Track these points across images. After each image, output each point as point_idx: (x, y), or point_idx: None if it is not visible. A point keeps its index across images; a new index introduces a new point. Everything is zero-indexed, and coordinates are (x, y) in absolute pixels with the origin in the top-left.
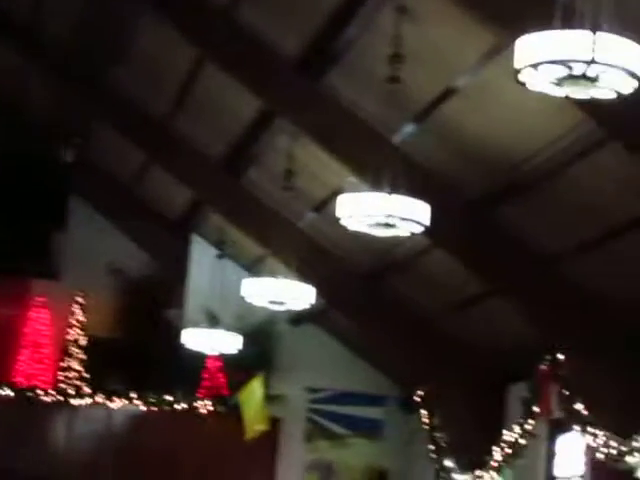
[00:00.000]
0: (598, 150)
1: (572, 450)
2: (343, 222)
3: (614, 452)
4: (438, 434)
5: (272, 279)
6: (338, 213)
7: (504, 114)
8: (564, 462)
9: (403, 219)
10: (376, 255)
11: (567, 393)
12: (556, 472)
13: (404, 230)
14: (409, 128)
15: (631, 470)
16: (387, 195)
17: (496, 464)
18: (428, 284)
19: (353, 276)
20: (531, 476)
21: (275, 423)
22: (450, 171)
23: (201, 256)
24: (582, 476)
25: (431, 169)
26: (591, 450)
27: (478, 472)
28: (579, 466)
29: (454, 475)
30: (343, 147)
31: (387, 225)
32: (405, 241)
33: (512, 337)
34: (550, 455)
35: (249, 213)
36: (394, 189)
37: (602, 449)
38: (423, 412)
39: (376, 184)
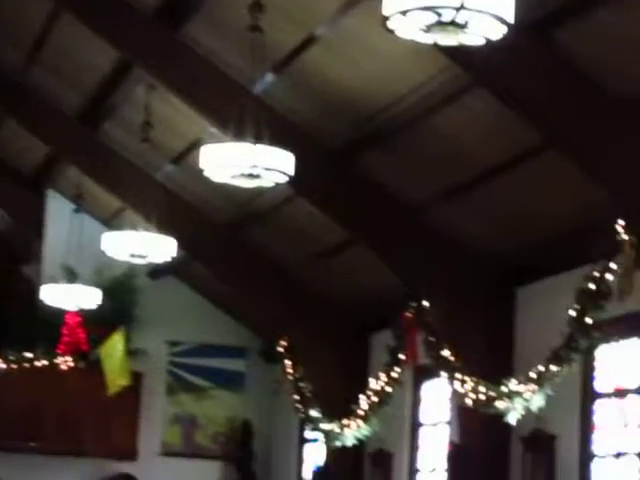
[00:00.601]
0: (462, 97)
1: (438, 397)
2: (207, 173)
3: (483, 398)
4: (302, 384)
5: (132, 232)
6: (202, 164)
7: (366, 62)
8: (430, 409)
9: (267, 169)
10: (237, 206)
11: (433, 340)
12: (422, 419)
13: (268, 180)
14: (270, 78)
15: (501, 415)
16: (251, 145)
17: (362, 412)
18: (290, 234)
19: (214, 227)
20: (397, 423)
21: (136, 377)
22: (312, 120)
23: (58, 211)
24: (448, 422)
25: (293, 119)
26: (459, 396)
27: (345, 421)
28: (445, 412)
29: (320, 425)
30: (203, 98)
31: (251, 176)
32: (267, 191)
33: (375, 285)
34: (415, 402)
35: (106, 166)
36: (257, 139)
37: (471, 395)
38: (286, 363)
39: (238, 135)
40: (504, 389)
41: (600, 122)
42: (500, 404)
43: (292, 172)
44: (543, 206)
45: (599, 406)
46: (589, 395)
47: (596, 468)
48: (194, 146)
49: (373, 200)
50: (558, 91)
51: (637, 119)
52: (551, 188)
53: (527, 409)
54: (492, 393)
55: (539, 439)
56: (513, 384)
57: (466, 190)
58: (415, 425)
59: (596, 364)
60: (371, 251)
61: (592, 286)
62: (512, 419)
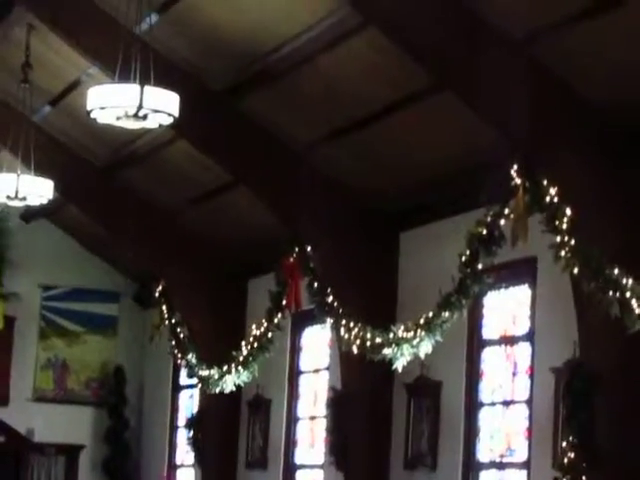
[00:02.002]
0: (350, 39)
1: (317, 343)
2: (93, 115)
3: (369, 344)
4: (179, 329)
5: (8, 174)
6: (88, 105)
7: (250, 3)
8: (309, 355)
9: (153, 110)
10: (114, 148)
11: (317, 285)
12: (302, 365)
13: (154, 122)
14: (154, 18)
15: (388, 361)
16: (136, 86)
17: (242, 358)
18: (168, 177)
19: (90, 170)
20: (277, 370)
21: (8, 322)
22: (196, 62)
23: None
24: (327, 368)
25: (177, 60)
26: (344, 343)
27: (224, 367)
28: (325, 359)
29: (198, 370)
30: (85, 39)
31: (137, 117)
32: (145, 134)
33: (256, 230)
34: (295, 349)
35: None
36: (142, 81)
37: (357, 341)
38: (162, 307)
39: (122, 76)
40: (391, 335)
41: (495, 66)
42: (387, 350)
43: (177, 114)
44: (430, 149)
45: (485, 353)
46: (476, 342)
47: (483, 416)
48: (72, 88)
49: (256, 142)
50: (450, 33)
51: (532, 61)
52: (439, 131)
53: (414, 355)
54: (379, 339)
55: (424, 386)
56: (401, 330)
57: (351, 132)
58: (294, 372)
59: (484, 311)
60: (252, 194)
61: (484, 231)
62: (399, 365)
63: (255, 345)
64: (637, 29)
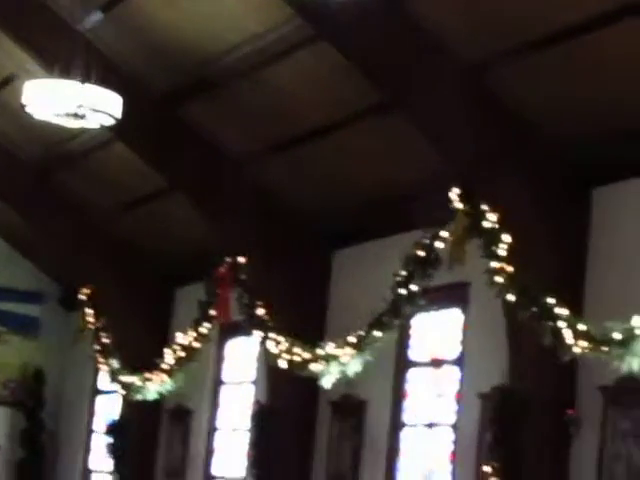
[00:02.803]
0: (298, 52)
1: (243, 355)
2: (29, 110)
3: (298, 359)
4: (103, 334)
5: None
6: (24, 100)
7: (199, 9)
8: (234, 367)
9: (94, 110)
10: (47, 147)
11: (247, 298)
12: (225, 377)
13: (94, 122)
14: (96, 17)
15: (315, 377)
16: (79, 84)
17: (167, 367)
18: (101, 181)
19: (22, 169)
20: (201, 379)
21: None
22: (139, 64)
23: None
24: (254, 381)
25: (118, 61)
26: (271, 356)
27: (147, 374)
28: (250, 371)
29: (120, 377)
30: (26, 33)
31: (77, 115)
32: (81, 134)
33: (187, 238)
34: (219, 359)
35: None
36: (84, 79)
37: (285, 356)
38: (87, 311)
39: (63, 73)
40: (320, 352)
41: (443, 90)
42: (315, 367)
43: (119, 115)
44: (369, 170)
45: (412, 375)
46: (403, 363)
47: (405, 436)
48: (7, 82)
49: (194, 150)
50: (402, 54)
51: (480, 88)
52: (380, 152)
53: (343, 373)
54: (308, 355)
55: (349, 404)
56: (330, 347)
57: (291, 147)
58: (217, 383)
59: (411, 332)
60: (186, 203)
61: (421, 252)
62: (327, 383)
63: (180, 354)
64: (586, 65)
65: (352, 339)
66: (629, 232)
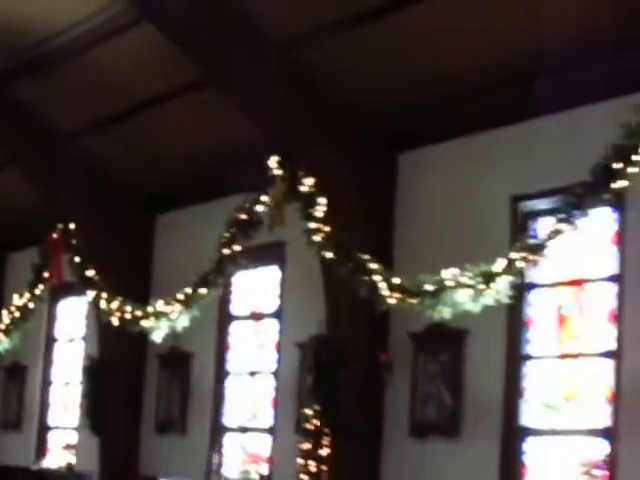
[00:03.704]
0: (123, 33)
1: (74, 314)
2: None
3: (129, 316)
4: None
5: None
6: None
7: None
8: (65, 325)
9: None
10: None
11: (79, 260)
12: (57, 334)
13: None
14: None
15: (146, 333)
16: None
17: (4, 326)
18: None
19: None
20: (35, 338)
21: None
22: None
23: None
24: (84, 338)
25: None
26: (103, 314)
27: None
28: (81, 329)
29: None
30: None
31: None
32: None
33: (21, 208)
34: (51, 318)
35: None
36: None
37: (117, 313)
38: None
39: None
40: (150, 309)
41: (259, 66)
42: (146, 323)
43: None
44: (192, 141)
45: (235, 327)
46: (225, 317)
47: (230, 384)
48: None
49: (25, 127)
50: (219, 32)
51: (289, 63)
52: (201, 124)
53: (171, 328)
54: (138, 312)
55: (175, 356)
56: (160, 304)
57: (118, 121)
58: (50, 340)
59: (233, 288)
60: (21, 175)
61: (243, 216)
62: (157, 337)
63: (16, 314)
64: (387, 42)
65: (180, 296)
66: (433, 193)
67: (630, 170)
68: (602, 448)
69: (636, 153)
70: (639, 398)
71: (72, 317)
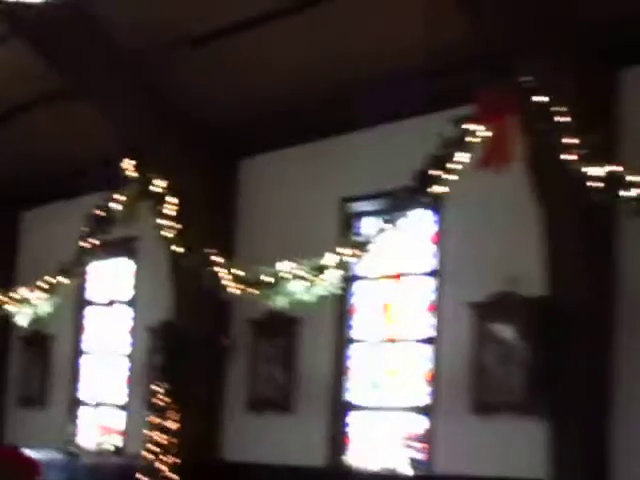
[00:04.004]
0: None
1: None
2: None
3: None
4: None
5: None
6: None
7: None
8: None
9: None
10: None
11: None
12: None
13: None
14: None
15: (10, 317)
16: None
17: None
18: None
19: None
20: None
21: None
22: None
23: None
24: None
25: None
26: None
27: None
28: None
29: None
30: None
31: None
32: None
33: None
34: None
35: None
36: None
37: None
38: None
39: None
40: (16, 295)
41: (115, 76)
42: (11, 308)
43: None
44: (57, 142)
45: (90, 312)
46: (82, 303)
47: (85, 363)
48: None
49: None
50: (82, 45)
51: (142, 74)
52: (68, 128)
53: (35, 313)
54: (3, 297)
55: (37, 338)
56: (25, 291)
57: None
58: None
59: (90, 277)
60: None
61: (100, 212)
62: (23, 321)
63: None
64: (227, 63)
65: (43, 284)
66: (271, 195)
67: (446, 177)
68: (421, 423)
69: (451, 162)
70: (454, 379)
71: None
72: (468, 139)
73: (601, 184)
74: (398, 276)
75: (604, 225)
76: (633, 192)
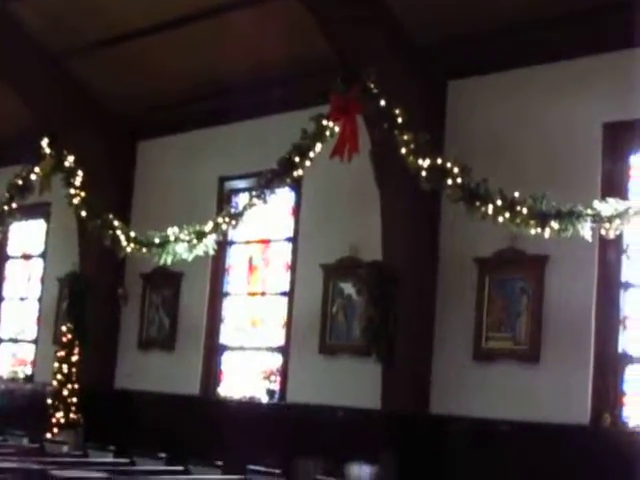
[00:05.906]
0: None
1: None
2: None
3: None
4: None
5: None
6: None
7: None
8: None
9: None
10: None
11: None
12: None
13: None
14: None
15: None
16: None
17: None
18: None
19: None
20: None
21: None
22: None
23: None
24: None
25: None
26: None
27: None
28: None
29: None
30: None
31: None
32: None
33: None
34: None
35: None
36: None
37: None
38: None
39: None
40: None
41: (37, 68)
42: None
43: None
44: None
45: (9, 265)
46: (3, 257)
47: (4, 308)
48: None
49: None
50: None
51: (63, 69)
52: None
53: None
54: None
55: None
56: None
57: None
58: None
59: (10, 235)
60: None
61: (20, 182)
62: None
63: None
64: (141, 60)
65: None
66: (164, 173)
67: (305, 162)
68: (277, 361)
69: (310, 150)
70: (305, 326)
71: None
72: (324, 133)
73: (429, 173)
74: (264, 241)
75: (430, 206)
76: (453, 181)
